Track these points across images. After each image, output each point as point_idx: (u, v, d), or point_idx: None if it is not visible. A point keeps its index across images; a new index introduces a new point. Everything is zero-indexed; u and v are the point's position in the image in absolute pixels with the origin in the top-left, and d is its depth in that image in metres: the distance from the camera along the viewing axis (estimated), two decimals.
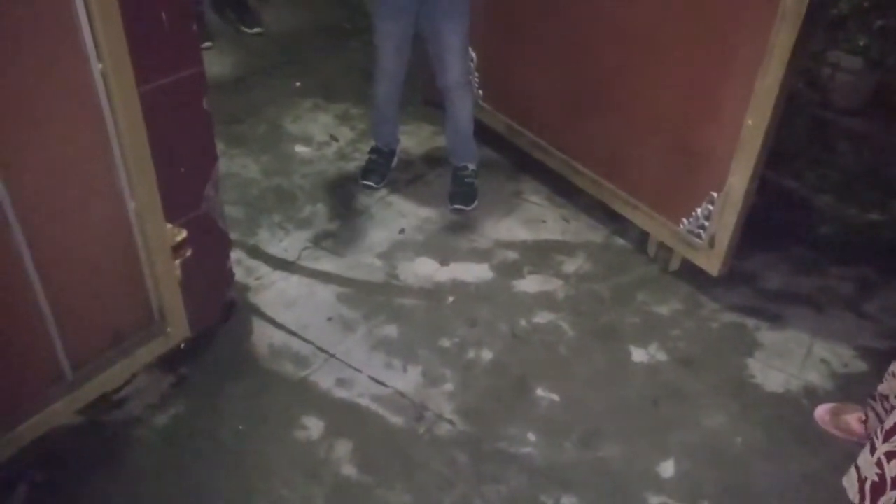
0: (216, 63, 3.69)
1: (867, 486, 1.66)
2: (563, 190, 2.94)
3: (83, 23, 1.47)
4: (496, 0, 2.88)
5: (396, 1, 2.56)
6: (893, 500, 1.60)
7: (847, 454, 1.85)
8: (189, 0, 1.78)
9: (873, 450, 1.67)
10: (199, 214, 2.00)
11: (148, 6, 1.64)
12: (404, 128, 3.17)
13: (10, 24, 1.37)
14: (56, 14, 1.44)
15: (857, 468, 1.71)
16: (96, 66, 1.53)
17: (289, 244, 2.63)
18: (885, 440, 1.64)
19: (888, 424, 1.66)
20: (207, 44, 3.75)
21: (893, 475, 1.60)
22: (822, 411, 2.13)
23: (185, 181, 1.91)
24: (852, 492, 1.71)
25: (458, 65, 2.67)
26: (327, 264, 2.56)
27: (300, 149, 3.16)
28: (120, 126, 1.61)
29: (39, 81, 1.46)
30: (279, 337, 2.27)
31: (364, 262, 2.58)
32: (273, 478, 1.87)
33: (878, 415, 1.94)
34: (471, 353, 2.27)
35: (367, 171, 2.96)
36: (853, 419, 2.06)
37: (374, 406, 2.08)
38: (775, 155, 2.28)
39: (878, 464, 1.64)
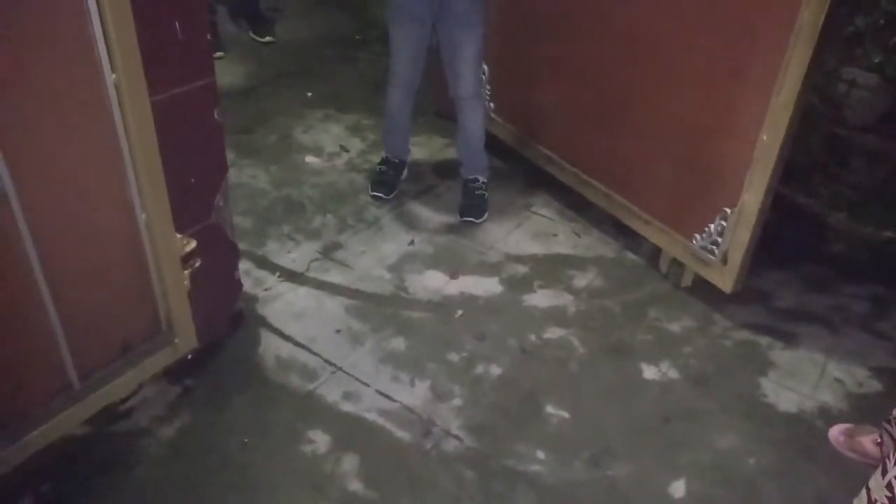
0: (228, 73, 3.71)
1: None
2: (575, 204, 2.92)
3: (97, 33, 1.46)
4: (509, 13, 2.88)
5: (413, 9, 2.56)
6: None
7: (861, 476, 1.80)
8: (204, 10, 1.78)
9: (885, 472, 1.64)
10: (208, 225, 1.99)
11: (163, 17, 1.64)
12: (415, 139, 3.17)
13: (24, 34, 1.37)
14: (70, 24, 1.43)
15: (868, 490, 1.68)
16: (109, 77, 1.52)
17: (297, 255, 2.63)
18: None
19: None
20: (219, 53, 3.77)
21: None
22: (836, 432, 2.09)
23: (195, 191, 1.91)
24: None
25: (471, 76, 2.67)
26: (336, 276, 2.55)
27: (310, 159, 3.16)
28: (131, 136, 1.61)
29: (52, 91, 1.45)
30: (286, 349, 2.25)
31: (373, 275, 2.57)
32: (278, 491, 1.86)
33: (892, 437, 1.91)
34: (479, 368, 2.25)
35: (377, 183, 2.95)
36: (868, 441, 2.02)
37: (380, 420, 2.06)
38: (789, 171, 2.26)
39: (889, 486, 1.60)
